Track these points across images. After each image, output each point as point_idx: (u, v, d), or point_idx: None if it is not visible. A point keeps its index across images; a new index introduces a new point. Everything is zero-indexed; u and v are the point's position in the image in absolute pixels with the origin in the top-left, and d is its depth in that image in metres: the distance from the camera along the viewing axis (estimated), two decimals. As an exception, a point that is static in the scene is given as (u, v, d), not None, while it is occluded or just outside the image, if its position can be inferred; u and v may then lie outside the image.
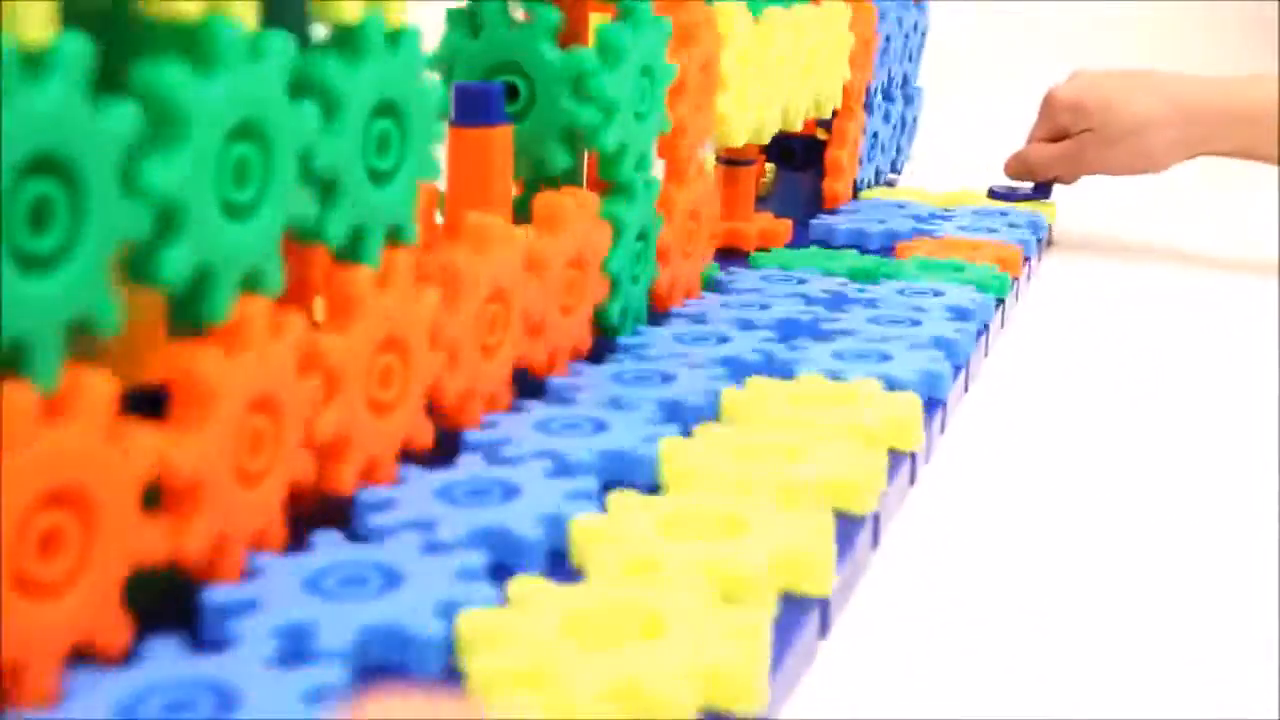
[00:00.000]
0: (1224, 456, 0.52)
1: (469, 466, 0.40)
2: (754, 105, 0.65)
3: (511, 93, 0.50)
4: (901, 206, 0.84)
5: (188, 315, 0.31)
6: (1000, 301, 0.65)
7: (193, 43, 0.29)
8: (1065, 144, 0.84)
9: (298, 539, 0.35)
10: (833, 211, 0.82)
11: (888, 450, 0.44)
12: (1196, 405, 0.57)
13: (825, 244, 0.77)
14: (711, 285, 0.63)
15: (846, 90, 0.80)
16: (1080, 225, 0.91)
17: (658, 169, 0.57)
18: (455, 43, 0.50)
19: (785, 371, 0.50)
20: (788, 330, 0.56)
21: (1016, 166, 0.88)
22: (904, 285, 0.63)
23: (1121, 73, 0.85)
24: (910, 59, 0.95)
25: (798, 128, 0.73)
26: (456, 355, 0.41)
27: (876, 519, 0.40)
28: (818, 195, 0.83)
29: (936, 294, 0.62)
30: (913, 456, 0.46)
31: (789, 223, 0.76)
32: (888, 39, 0.86)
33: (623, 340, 0.53)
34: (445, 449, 0.41)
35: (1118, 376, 0.61)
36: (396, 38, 0.37)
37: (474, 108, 0.48)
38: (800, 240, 0.77)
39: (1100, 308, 0.73)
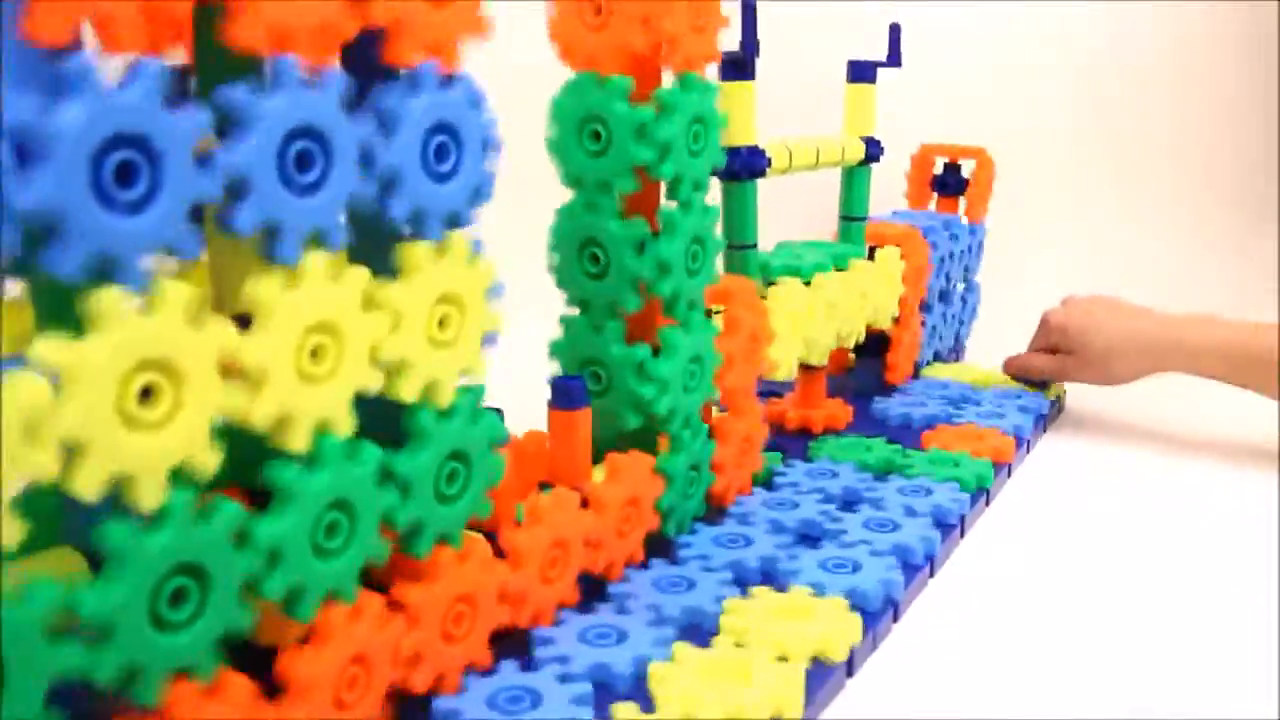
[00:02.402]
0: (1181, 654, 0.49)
1: (510, 676, 0.43)
2: (801, 345, 0.66)
3: (595, 378, 0.54)
4: (944, 387, 0.83)
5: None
6: (984, 491, 0.65)
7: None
8: (1055, 358, 0.82)
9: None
10: (894, 390, 0.82)
11: (823, 660, 0.46)
12: (1153, 604, 0.54)
13: (883, 422, 0.77)
14: (767, 478, 0.65)
15: (902, 303, 0.80)
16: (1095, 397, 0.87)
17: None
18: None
19: (780, 580, 0.52)
20: (804, 530, 0.58)
21: (1014, 369, 0.85)
22: (904, 484, 0.63)
23: (1100, 304, 0.82)
24: (969, 264, 0.93)
25: (851, 345, 0.74)
26: (523, 598, 0.46)
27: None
28: (884, 375, 0.83)
29: (928, 493, 0.62)
30: (849, 662, 0.47)
31: (850, 410, 0.76)
32: (941, 259, 0.86)
33: (678, 541, 0.56)
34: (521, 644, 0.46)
35: (1076, 565, 0.59)
36: (469, 403, 0.41)
37: (565, 397, 0.51)
38: (865, 414, 0.78)
39: (1081, 489, 0.70)
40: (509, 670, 0.43)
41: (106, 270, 0.28)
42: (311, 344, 0.35)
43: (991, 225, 0.97)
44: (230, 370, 0.33)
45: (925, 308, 0.85)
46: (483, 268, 0.41)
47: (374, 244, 0.39)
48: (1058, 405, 0.84)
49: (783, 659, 0.44)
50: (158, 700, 0.32)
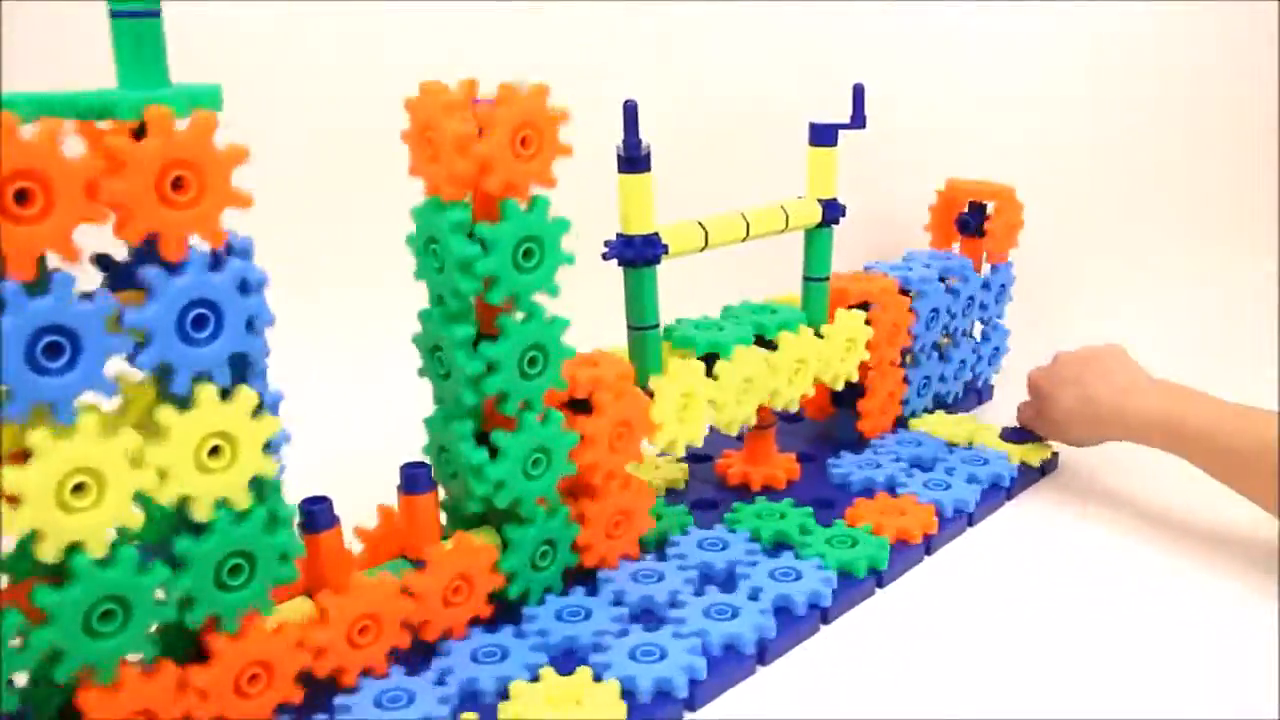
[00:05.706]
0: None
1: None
2: (702, 420, 0.71)
3: (449, 462, 0.63)
4: (919, 444, 0.85)
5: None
6: (862, 578, 0.68)
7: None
8: (1033, 415, 0.84)
9: None
10: (862, 446, 0.86)
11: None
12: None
13: (840, 484, 0.80)
14: (660, 542, 0.71)
15: (875, 355, 0.82)
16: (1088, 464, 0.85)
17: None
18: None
19: (592, 664, 0.58)
20: (656, 607, 0.64)
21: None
22: (779, 566, 0.67)
23: (1083, 364, 0.80)
24: (986, 308, 0.93)
25: (784, 408, 0.78)
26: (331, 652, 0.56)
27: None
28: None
29: (797, 577, 0.66)
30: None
31: (796, 469, 0.81)
32: (934, 310, 0.87)
33: (527, 608, 0.63)
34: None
35: (930, 668, 0.61)
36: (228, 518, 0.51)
37: (412, 483, 0.60)
38: (820, 472, 0.82)
39: (995, 574, 0.70)
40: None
41: None
42: (73, 482, 0.46)
43: (1042, 263, 0.97)
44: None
45: (913, 359, 0.87)
46: (267, 422, 0.50)
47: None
48: (1042, 468, 0.84)
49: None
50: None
